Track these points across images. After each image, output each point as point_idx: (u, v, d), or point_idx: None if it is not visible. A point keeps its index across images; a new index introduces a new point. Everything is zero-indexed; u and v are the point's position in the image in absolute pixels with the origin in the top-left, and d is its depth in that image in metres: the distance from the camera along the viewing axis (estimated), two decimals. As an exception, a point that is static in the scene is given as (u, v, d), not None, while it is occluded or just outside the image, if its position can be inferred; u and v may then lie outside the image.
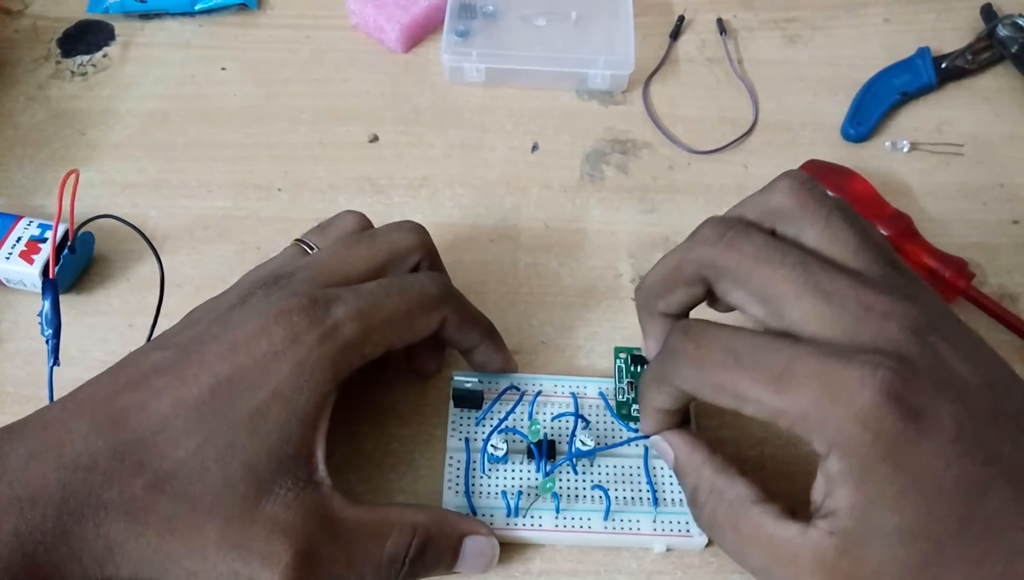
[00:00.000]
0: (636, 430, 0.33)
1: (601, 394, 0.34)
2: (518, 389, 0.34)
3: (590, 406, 0.34)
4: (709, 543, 0.32)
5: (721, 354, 0.26)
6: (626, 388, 0.34)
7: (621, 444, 0.33)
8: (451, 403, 0.34)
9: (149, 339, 0.34)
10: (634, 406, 0.34)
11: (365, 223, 0.34)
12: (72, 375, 0.34)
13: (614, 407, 0.34)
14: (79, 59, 0.47)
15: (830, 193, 0.29)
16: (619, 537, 0.32)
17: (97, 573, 0.25)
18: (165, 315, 0.37)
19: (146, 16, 0.49)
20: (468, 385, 0.33)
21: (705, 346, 0.26)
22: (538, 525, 0.31)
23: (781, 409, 0.24)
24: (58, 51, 0.47)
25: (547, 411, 0.34)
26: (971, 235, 0.41)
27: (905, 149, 0.44)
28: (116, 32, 0.48)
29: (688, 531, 0.32)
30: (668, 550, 0.32)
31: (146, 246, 0.36)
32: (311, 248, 0.32)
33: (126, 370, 0.28)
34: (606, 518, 0.32)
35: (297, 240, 0.33)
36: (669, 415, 0.30)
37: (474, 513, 0.31)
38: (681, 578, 0.32)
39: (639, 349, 0.35)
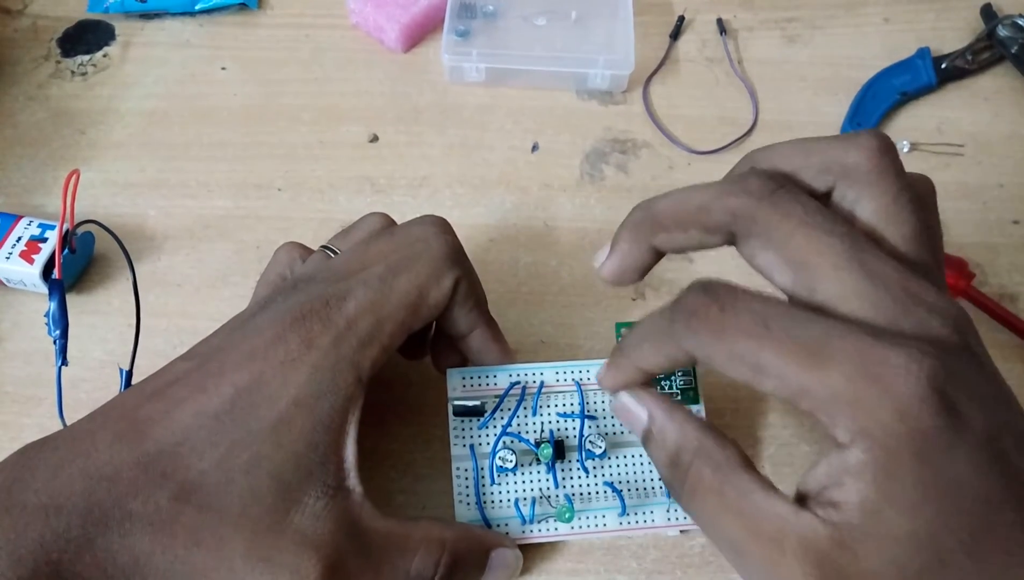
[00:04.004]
0: None
1: None
2: (519, 383, 0.32)
3: (594, 394, 0.33)
4: None
5: (749, 319, 0.23)
6: None
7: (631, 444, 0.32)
8: (451, 414, 0.32)
9: (135, 345, 0.34)
10: None
11: (389, 223, 0.33)
12: (72, 375, 0.34)
13: None
14: (79, 59, 0.47)
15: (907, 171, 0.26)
16: (635, 532, 0.31)
17: None
18: (165, 315, 0.38)
19: (146, 16, 0.49)
20: (469, 404, 0.32)
21: (730, 310, 0.24)
22: (554, 530, 0.31)
23: (807, 387, 0.22)
24: (58, 51, 0.47)
25: (552, 406, 0.32)
26: (971, 235, 0.41)
27: (905, 149, 0.44)
28: (116, 32, 0.48)
29: None
30: (681, 532, 0.32)
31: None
32: (335, 252, 0.31)
33: (152, 381, 0.27)
34: (622, 515, 0.31)
35: (322, 246, 0.32)
36: (646, 377, 0.27)
37: (488, 525, 0.31)
38: (681, 578, 0.32)
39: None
